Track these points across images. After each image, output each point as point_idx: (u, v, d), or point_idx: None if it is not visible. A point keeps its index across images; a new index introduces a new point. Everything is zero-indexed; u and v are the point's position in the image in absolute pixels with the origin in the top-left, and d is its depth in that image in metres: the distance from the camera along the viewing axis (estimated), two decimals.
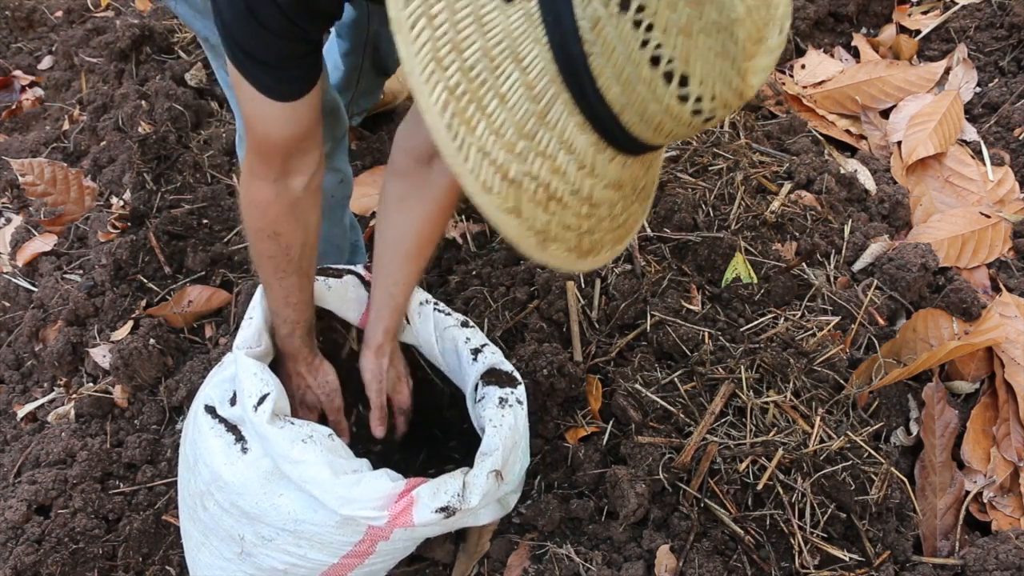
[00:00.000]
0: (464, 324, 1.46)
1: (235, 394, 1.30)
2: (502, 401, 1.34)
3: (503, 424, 1.30)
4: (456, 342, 1.44)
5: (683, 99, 0.73)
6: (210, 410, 1.30)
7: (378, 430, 1.46)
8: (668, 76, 0.72)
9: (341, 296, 1.42)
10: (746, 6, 0.69)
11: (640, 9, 0.69)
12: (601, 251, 0.88)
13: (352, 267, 1.47)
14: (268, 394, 1.22)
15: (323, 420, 1.46)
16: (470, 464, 1.27)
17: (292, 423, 1.22)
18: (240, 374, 1.25)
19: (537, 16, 0.72)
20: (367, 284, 1.45)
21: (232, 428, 1.28)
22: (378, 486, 1.18)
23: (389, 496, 1.18)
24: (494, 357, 1.41)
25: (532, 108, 0.75)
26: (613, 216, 0.87)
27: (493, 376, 1.39)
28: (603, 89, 0.74)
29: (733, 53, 0.70)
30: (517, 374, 1.40)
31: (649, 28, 0.69)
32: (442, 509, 1.18)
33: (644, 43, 0.70)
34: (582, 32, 0.71)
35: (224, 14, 0.97)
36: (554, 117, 0.75)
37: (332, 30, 2.07)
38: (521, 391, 1.37)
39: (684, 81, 0.72)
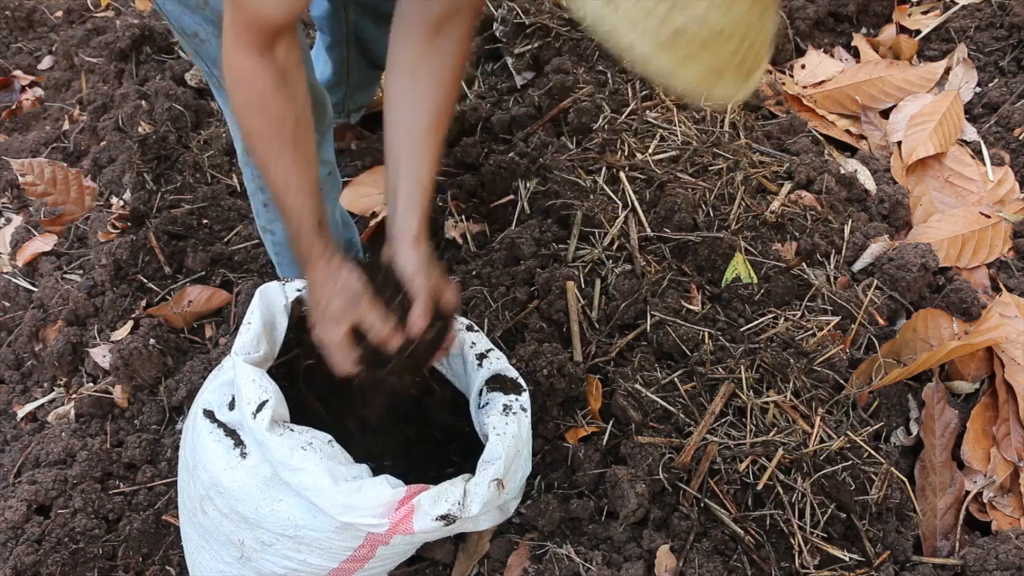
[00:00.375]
0: (469, 328, 1.46)
1: (234, 398, 1.30)
2: (506, 408, 1.33)
3: (507, 432, 1.29)
4: (462, 346, 1.43)
5: None
6: (209, 414, 1.30)
7: (420, 322, 1.29)
8: None
9: None
10: None
11: None
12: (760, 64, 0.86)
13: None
14: (267, 401, 1.22)
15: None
16: (469, 468, 1.26)
17: (292, 430, 1.22)
18: (239, 380, 1.25)
19: None
20: None
21: (231, 433, 1.28)
22: (378, 493, 1.17)
23: (389, 503, 1.17)
24: (499, 363, 1.41)
25: None
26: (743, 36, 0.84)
27: (498, 382, 1.38)
28: None
29: None
30: (522, 381, 1.40)
31: None
32: (442, 517, 1.17)
33: None
34: None
35: None
36: None
37: (315, 25, 2.08)
38: (526, 398, 1.37)
39: None
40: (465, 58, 1.30)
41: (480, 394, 1.39)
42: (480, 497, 1.20)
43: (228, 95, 1.23)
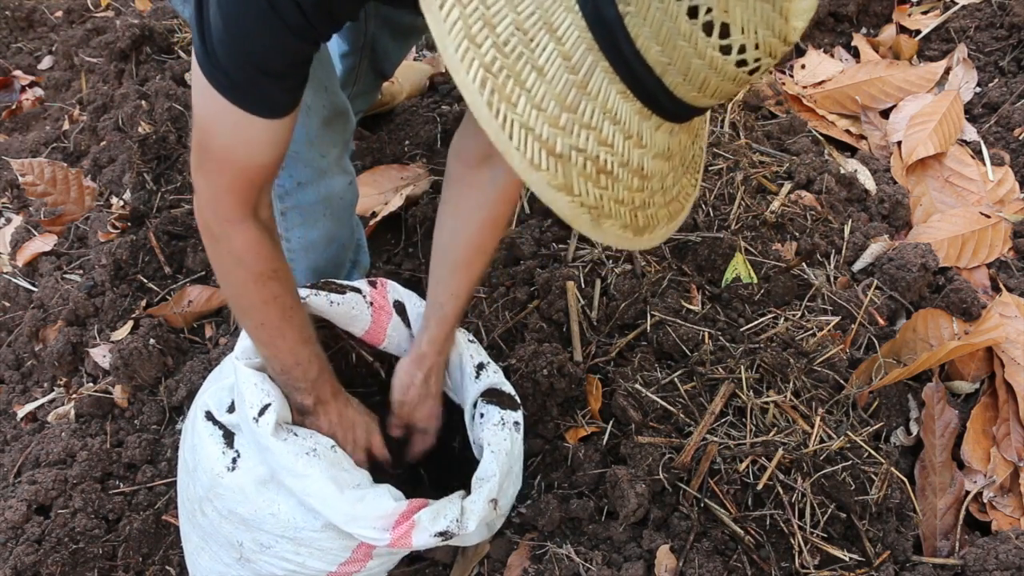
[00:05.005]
0: (470, 340, 1.46)
1: (233, 401, 1.30)
2: (502, 424, 1.34)
3: (501, 449, 1.31)
4: (461, 356, 1.44)
5: (726, 50, 0.70)
6: (209, 416, 1.30)
7: (394, 431, 1.44)
8: (708, 27, 0.69)
9: (346, 313, 1.40)
10: None
11: None
12: (656, 228, 0.86)
13: (354, 283, 1.45)
14: (269, 404, 1.22)
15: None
16: (460, 476, 1.29)
17: (295, 434, 1.22)
18: (240, 385, 1.25)
19: None
20: (370, 303, 1.44)
21: (230, 435, 1.28)
22: (380, 505, 1.19)
23: (391, 516, 1.19)
24: (496, 376, 1.42)
25: (572, 79, 0.73)
26: (665, 189, 0.85)
27: (495, 396, 1.39)
28: (642, 50, 0.71)
29: None
30: (518, 397, 1.41)
31: None
32: (441, 534, 1.20)
33: None
34: None
35: (233, 26, 0.93)
36: (595, 86, 0.74)
37: None
38: (520, 415, 1.38)
39: (725, 31, 0.69)
40: (509, 204, 1.27)
41: (475, 405, 1.40)
42: (476, 515, 1.23)
43: (229, 274, 1.17)
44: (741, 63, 0.72)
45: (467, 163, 1.24)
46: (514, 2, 0.72)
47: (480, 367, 1.42)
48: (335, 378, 1.33)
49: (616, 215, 0.80)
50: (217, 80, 0.97)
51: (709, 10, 0.68)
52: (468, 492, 1.29)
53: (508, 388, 1.41)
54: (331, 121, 1.46)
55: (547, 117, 0.73)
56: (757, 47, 0.71)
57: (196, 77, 0.99)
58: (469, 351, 1.44)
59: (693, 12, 0.68)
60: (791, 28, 0.70)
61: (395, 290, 1.48)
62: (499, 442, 1.31)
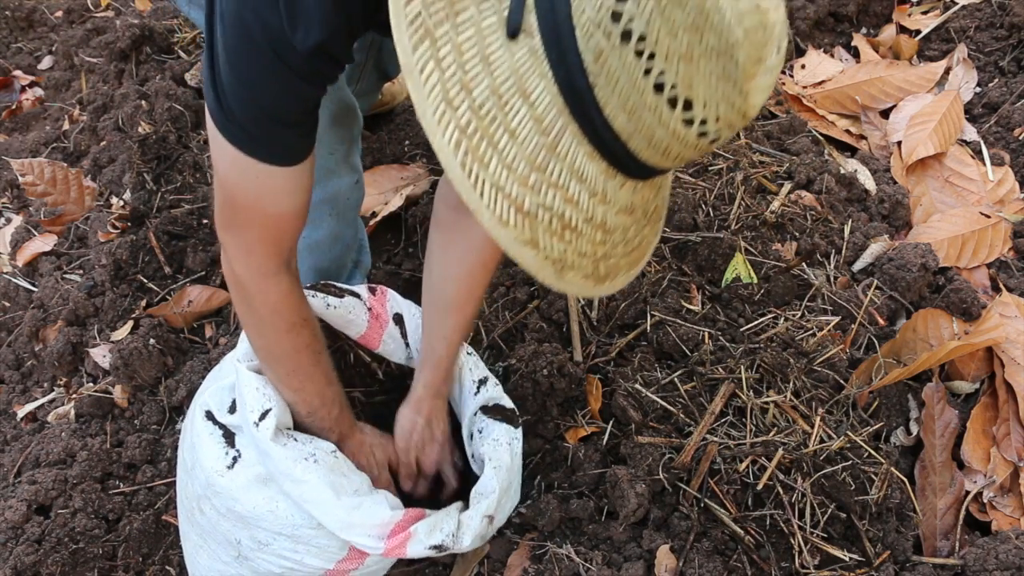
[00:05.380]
0: (469, 353, 1.46)
1: (234, 402, 1.30)
2: (503, 439, 1.35)
3: (502, 465, 1.31)
4: (460, 371, 1.44)
5: (688, 123, 0.75)
6: (209, 416, 1.30)
7: (406, 484, 1.44)
8: (672, 102, 0.73)
9: (342, 316, 1.41)
10: (743, 29, 0.69)
11: (641, 39, 0.70)
12: (617, 276, 0.90)
13: (352, 287, 1.45)
14: (270, 409, 1.22)
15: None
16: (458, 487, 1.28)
17: (295, 439, 1.22)
18: (241, 388, 1.25)
19: (541, 52, 0.74)
20: (368, 308, 1.44)
21: (230, 435, 1.28)
22: (377, 513, 1.20)
23: (387, 525, 1.20)
24: (496, 391, 1.42)
25: (542, 141, 0.76)
26: (627, 240, 0.88)
27: (498, 412, 1.40)
28: (610, 118, 0.75)
29: (734, 75, 0.71)
30: (517, 413, 1.42)
31: (651, 57, 0.71)
32: (435, 547, 1.21)
33: (647, 71, 0.72)
34: (586, 64, 0.73)
35: (244, 79, 0.94)
36: (564, 148, 0.77)
37: None
38: (520, 432, 1.39)
39: (688, 105, 0.74)
40: (498, 247, 1.26)
41: (473, 421, 1.41)
42: (472, 530, 1.24)
43: (262, 323, 1.18)
44: (702, 134, 0.76)
45: (454, 208, 1.26)
46: (491, 68, 0.75)
47: (481, 382, 1.43)
48: (351, 410, 1.35)
49: (579, 267, 0.84)
50: (234, 135, 0.99)
51: (674, 86, 0.72)
52: (465, 504, 1.29)
53: (509, 403, 1.42)
54: (339, 117, 1.46)
55: (517, 177, 0.76)
56: (718, 120, 0.75)
57: (213, 136, 1.01)
58: (469, 365, 1.45)
59: (659, 88, 0.72)
60: (750, 105, 0.74)
61: (394, 300, 1.48)
62: (500, 457, 1.32)
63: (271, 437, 1.20)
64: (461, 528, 1.24)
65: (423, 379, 1.40)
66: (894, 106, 2.25)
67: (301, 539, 1.24)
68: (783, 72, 2.42)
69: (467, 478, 1.38)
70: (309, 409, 1.27)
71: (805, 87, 2.35)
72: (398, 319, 1.46)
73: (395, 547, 1.19)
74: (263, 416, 1.21)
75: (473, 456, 1.41)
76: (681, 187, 1.87)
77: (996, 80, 2.34)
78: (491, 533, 1.35)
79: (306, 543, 1.24)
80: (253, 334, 1.24)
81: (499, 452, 1.32)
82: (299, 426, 1.28)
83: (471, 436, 1.41)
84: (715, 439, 1.49)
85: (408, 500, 1.36)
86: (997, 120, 2.23)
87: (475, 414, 1.41)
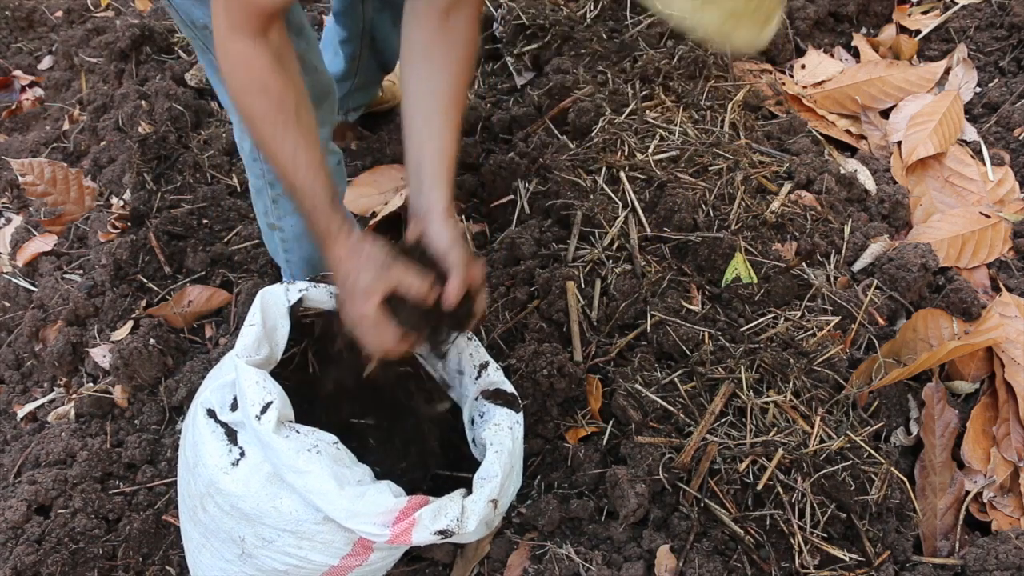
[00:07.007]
0: (469, 338, 1.46)
1: (235, 399, 1.30)
2: (505, 423, 1.34)
3: (504, 449, 1.31)
4: (461, 355, 1.44)
5: None
6: (211, 414, 1.30)
7: (456, 293, 1.27)
8: None
9: None
10: None
11: None
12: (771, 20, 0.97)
13: None
14: (271, 403, 1.22)
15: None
16: (456, 469, 1.28)
17: (297, 431, 1.22)
18: (242, 382, 1.25)
19: None
20: None
21: (232, 432, 1.28)
22: (381, 501, 1.19)
23: (391, 513, 1.19)
24: (497, 375, 1.42)
25: None
26: None
27: (499, 396, 1.39)
28: None
29: None
30: (518, 397, 1.41)
31: None
32: (440, 532, 1.20)
33: None
34: None
35: None
36: None
37: (331, 17, 2.08)
38: (521, 416, 1.38)
39: None
40: (475, 42, 1.33)
41: (474, 406, 1.40)
42: (477, 515, 1.23)
43: (225, 81, 1.23)
44: None
45: (431, 20, 1.30)
46: None
47: (482, 367, 1.42)
48: (343, 216, 1.26)
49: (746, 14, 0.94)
50: None
51: None
52: (468, 490, 1.29)
53: (510, 388, 1.41)
54: (318, 100, 1.46)
55: None
56: None
57: None
58: (469, 350, 1.44)
59: None
60: None
61: None
62: (502, 441, 1.31)
63: (273, 430, 1.20)
64: (465, 513, 1.23)
65: (446, 188, 1.32)
66: (894, 106, 2.25)
67: (305, 535, 1.24)
68: (783, 72, 2.42)
69: (468, 463, 1.37)
70: (285, 176, 1.25)
71: (805, 87, 2.35)
72: None
73: (400, 534, 1.19)
74: (264, 409, 1.21)
75: (474, 441, 1.40)
76: (681, 187, 1.87)
77: (996, 80, 2.34)
78: (496, 519, 1.35)
79: (310, 539, 1.25)
80: (222, 90, 1.31)
81: (501, 436, 1.32)
82: (300, 416, 1.28)
83: (472, 421, 1.41)
84: (715, 439, 1.49)
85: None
86: (997, 120, 2.23)
87: (476, 399, 1.40)
